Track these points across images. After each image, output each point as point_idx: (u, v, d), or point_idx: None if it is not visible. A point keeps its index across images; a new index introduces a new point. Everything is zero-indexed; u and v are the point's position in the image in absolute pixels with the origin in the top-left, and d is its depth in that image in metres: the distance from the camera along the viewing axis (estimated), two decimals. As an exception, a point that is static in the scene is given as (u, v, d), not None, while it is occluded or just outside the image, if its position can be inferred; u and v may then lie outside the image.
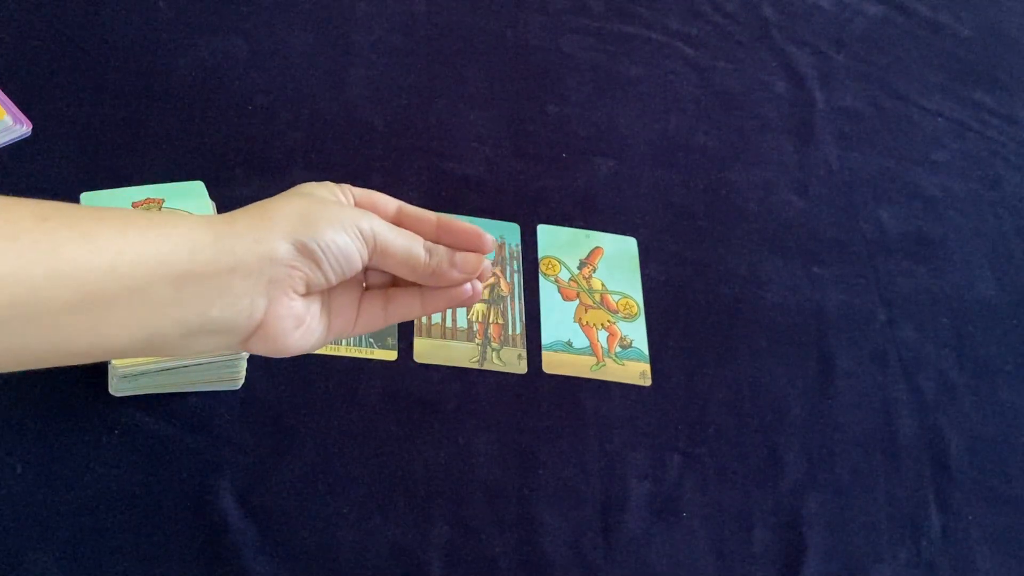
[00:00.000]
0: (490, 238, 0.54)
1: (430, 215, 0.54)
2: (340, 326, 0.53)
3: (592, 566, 0.72)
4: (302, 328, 0.50)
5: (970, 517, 0.81)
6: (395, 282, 0.55)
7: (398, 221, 0.53)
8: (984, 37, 1.20)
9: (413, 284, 0.54)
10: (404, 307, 0.54)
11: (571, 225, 0.90)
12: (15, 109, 0.83)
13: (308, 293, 0.49)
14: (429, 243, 0.52)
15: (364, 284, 0.55)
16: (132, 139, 0.84)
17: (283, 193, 0.50)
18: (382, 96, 0.94)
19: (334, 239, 0.48)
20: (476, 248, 0.53)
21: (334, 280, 0.50)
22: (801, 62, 1.10)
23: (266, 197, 0.84)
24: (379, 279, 0.55)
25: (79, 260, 0.41)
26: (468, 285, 0.54)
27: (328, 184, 0.52)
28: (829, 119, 1.05)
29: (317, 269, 0.48)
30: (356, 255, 0.49)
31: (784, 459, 0.80)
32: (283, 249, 0.47)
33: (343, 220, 0.49)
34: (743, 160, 0.99)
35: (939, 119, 1.09)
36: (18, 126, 0.82)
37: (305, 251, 0.48)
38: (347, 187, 0.53)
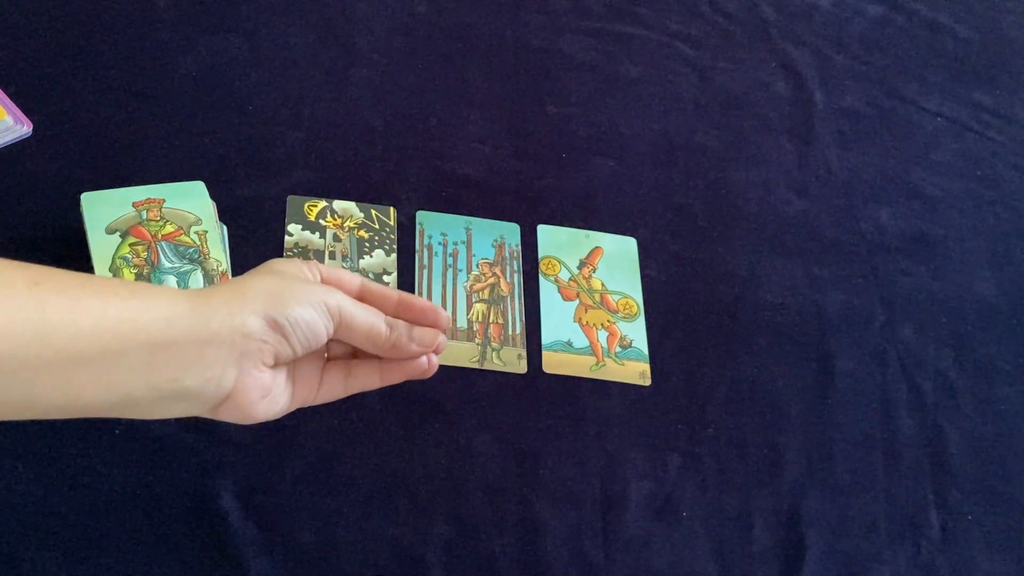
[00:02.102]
0: (445, 315, 0.57)
1: (391, 293, 0.57)
2: (303, 395, 0.56)
3: (592, 566, 0.72)
4: (268, 398, 0.52)
5: (970, 517, 0.81)
6: (355, 354, 0.58)
7: (361, 297, 0.56)
8: (984, 37, 1.20)
9: (373, 356, 0.57)
10: (364, 378, 0.57)
11: (571, 225, 0.90)
12: (15, 109, 0.83)
13: (276, 364, 0.52)
14: (390, 319, 0.56)
15: (327, 355, 0.57)
16: (132, 139, 0.84)
17: (255, 270, 0.54)
18: (382, 96, 0.94)
19: (302, 314, 0.51)
20: (433, 324, 0.57)
21: (300, 352, 0.52)
22: (801, 62, 1.10)
23: (266, 197, 0.85)
24: (341, 350, 0.57)
25: (63, 322, 0.44)
26: (424, 358, 0.57)
27: (296, 261, 0.56)
28: (829, 119, 1.05)
29: (285, 342, 0.51)
30: (322, 329, 0.52)
31: (784, 459, 0.80)
32: (255, 324, 0.50)
33: (310, 297, 0.52)
34: (743, 160, 0.99)
35: (939, 119, 1.09)
36: (18, 126, 0.82)
37: (275, 325, 0.51)
38: (314, 264, 0.56)
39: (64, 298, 0.45)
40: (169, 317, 0.48)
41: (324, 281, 0.56)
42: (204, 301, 0.50)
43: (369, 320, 0.55)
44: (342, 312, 0.53)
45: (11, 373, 0.43)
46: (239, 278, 0.53)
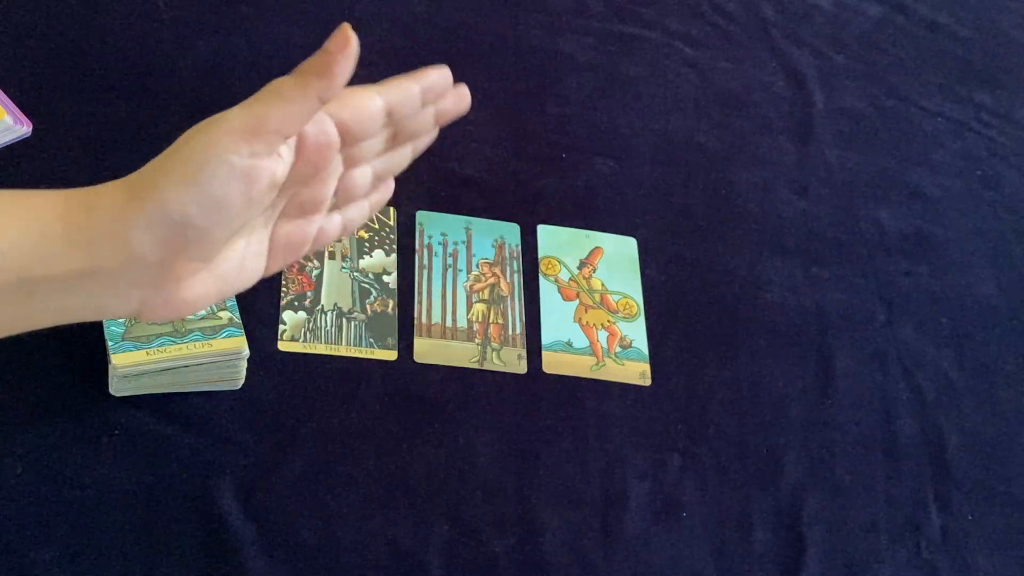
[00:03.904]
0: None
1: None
2: (285, 252, 0.46)
3: (592, 566, 0.72)
4: (220, 280, 0.44)
5: (970, 517, 0.81)
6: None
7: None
8: (984, 37, 1.20)
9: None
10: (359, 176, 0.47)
11: (571, 225, 0.90)
12: (15, 109, 0.83)
13: (208, 258, 0.42)
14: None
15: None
16: (132, 139, 0.84)
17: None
18: (382, 96, 0.94)
19: (202, 193, 0.40)
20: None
21: (234, 231, 0.42)
22: (801, 62, 1.10)
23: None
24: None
25: None
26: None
27: (230, 114, 0.42)
28: (829, 119, 1.05)
29: (202, 241, 0.41)
30: (238, 193, 0.40)
31: (784, 459, 0.80)
32: (142, 240, 0.40)
33: (212, 152, 0.41)
34: (743, 160, 0.99)
35: (939, 119, 1.09)
36: (18, 126, 0.82)
37: (172, 230, 0.40)
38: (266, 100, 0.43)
39: None
40: (37, 242, 0.39)
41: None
42: (83, 216, 0.40)
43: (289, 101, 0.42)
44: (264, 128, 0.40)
45: None
46: (139, 171, 0.43)
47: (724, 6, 1.12)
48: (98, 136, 0.84)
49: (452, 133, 0.95)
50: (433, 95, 0.49)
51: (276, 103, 0.43)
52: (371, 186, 0.51)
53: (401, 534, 0.70)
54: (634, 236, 0.90)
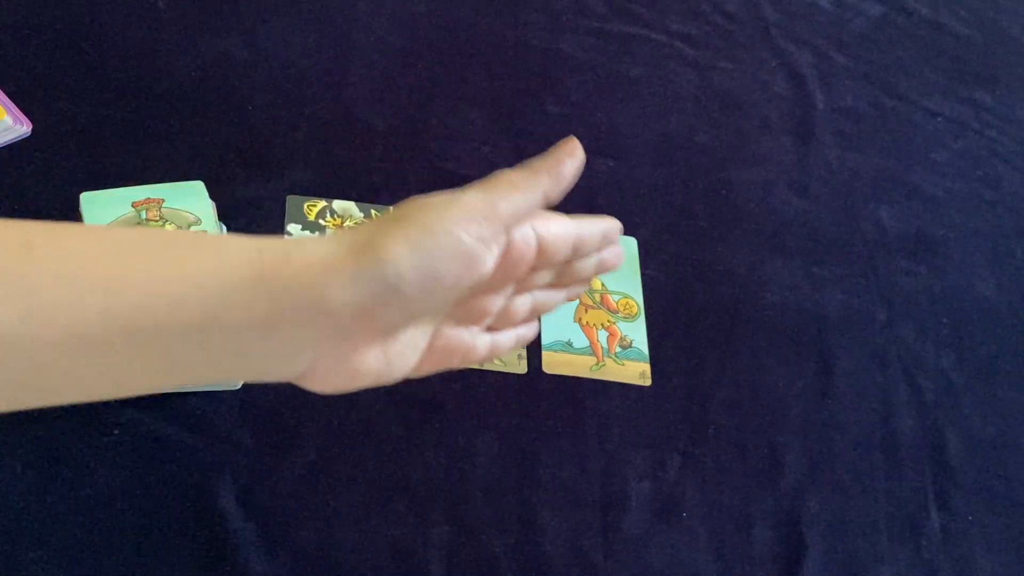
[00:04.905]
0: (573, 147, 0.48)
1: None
2: (441, 358, 0.46)
3: (592, 566, 0.72)
4: (378, 365, 0.42)
5: (970, 517, 0.81)
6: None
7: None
8: (984, 37, 1.20)
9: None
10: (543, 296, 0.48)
11: (571, 225, 0.89)
12: (15, 109, 0.83)
13: (387, 335, 0.41)
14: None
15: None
16: (132, 139, 0.84)
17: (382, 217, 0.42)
18: (382, 96, 0.94)
19: (423, 259, 0.39)
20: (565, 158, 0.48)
21: (426, 312, 0.41)
22: (801, 62, 1.10)
23: (266, 197, 0.85)
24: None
25: (60, 303, 0.34)
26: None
27: (452, 195, 0.42)
28: (829, 119, 1.05)
29: (394, 309, 0.39)
30: (458, 269, 0.40)
31: (784, 459, 0.80)
32: (340, 295, 0.38)
33: (442, 225, 0.40)
34: (743, 160, 0.99)
35: (939, 119, 1.09)
36: (18, 126, 0.82)
37: (376, 290, 0.38)
38: (491, 188, 0.44)
39: (65, 266, 0.35)
40: (223, 286, 0.36)
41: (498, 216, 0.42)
42: (279, 264, 0.37)
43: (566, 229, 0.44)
44: (506, 222, 0.41)
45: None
46: (348, 230, 0.40)
47: (724, 6, 1.12)
48: (98, 136, 0.84)
49: (452, 133, 0.95)
50: (606, 242, 0.50)
51: (509, 191, 0.43)
52: (524, 318, 0.51)
53: (401, 534, 0.70)
54: (634, 236, 0.90)
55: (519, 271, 0.45)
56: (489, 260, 0.42)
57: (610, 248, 0.51)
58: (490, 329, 0.49)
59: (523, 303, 0.49)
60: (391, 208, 0.42)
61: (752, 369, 0.85)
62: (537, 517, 0.73)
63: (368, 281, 0.38)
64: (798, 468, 0.80)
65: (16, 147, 0.81)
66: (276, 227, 0.82)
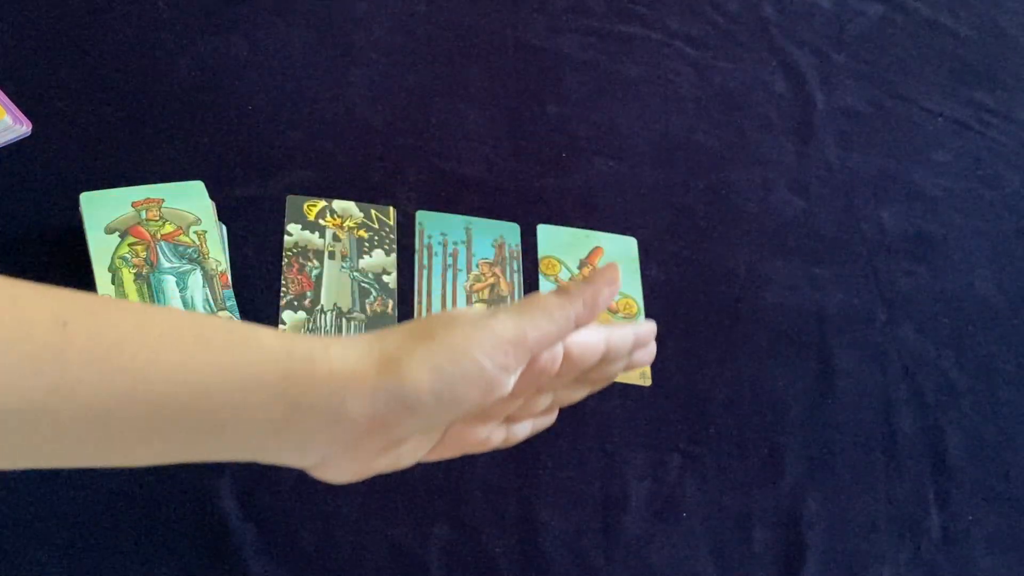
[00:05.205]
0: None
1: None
2: (453, 447, 0.47)
3: (592, 566, 0.72)
4: (382, 461, 0.43)
5: (970, 517, 0.81)
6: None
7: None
8: (984, 37, 1.19)
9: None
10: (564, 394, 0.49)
11: (571, 225, 0.90)
12: (15, 109, 0.83)
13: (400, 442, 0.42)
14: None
15: None
16: (132, 139, 0.84)
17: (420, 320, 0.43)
18: (382, 96, 0.94)
19: (440, 380, 0.40)
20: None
21: (441, 425, 0.43)
22: (801, 62, 1.10)
23: (266, 197, 0.85)
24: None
25: (89, 382, 0.36)
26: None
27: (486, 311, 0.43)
28: (829, 119, 1.05)
29: (409, 420, 0.40)
30: (477, 392, 0.41)
31: (784, 459, 0.80)
32: (358, 407, 0.39)
33: (465, 347, 0.40)
34: (743, 160, 0.99)
35: (939, 119, 1.09)
36: (18, 126, 0.82)
37: (393, 405, 0.40)
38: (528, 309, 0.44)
39: (98, 348, 0.36)
40: (246, 388, 0.38)
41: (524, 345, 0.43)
42: (303, 370, 0.39)
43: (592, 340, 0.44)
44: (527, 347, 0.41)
45: (20, 430, 0.35)
46: (379, 332, 0.42)
47: (724, 6, 1.12)
48: (98, 136, 0.84)
49: (452, 133, 0.95)
50: (637, 346, 0.50)
51: (541, 319, 0.43)
52: (543, 411, 0.51)
53: (401, 534, 0.70)
54: (634, 236, 0.90)
55: (541, 381, 0.45)
56: (509, 384, 0.42)
57: (641, 351, 0.50)
58: (507, 419, 0.49)
59: (545, 400, 0.50)
60: (424, 315, 0.42)
61: (752, 369, 0.85)
62: (537, 517, 0.73)
63: (387, 399, 0.40)
64: (798, 468, 0.80)
65: (16, 147, 0.81)
66: (276, 227, 0.82)
